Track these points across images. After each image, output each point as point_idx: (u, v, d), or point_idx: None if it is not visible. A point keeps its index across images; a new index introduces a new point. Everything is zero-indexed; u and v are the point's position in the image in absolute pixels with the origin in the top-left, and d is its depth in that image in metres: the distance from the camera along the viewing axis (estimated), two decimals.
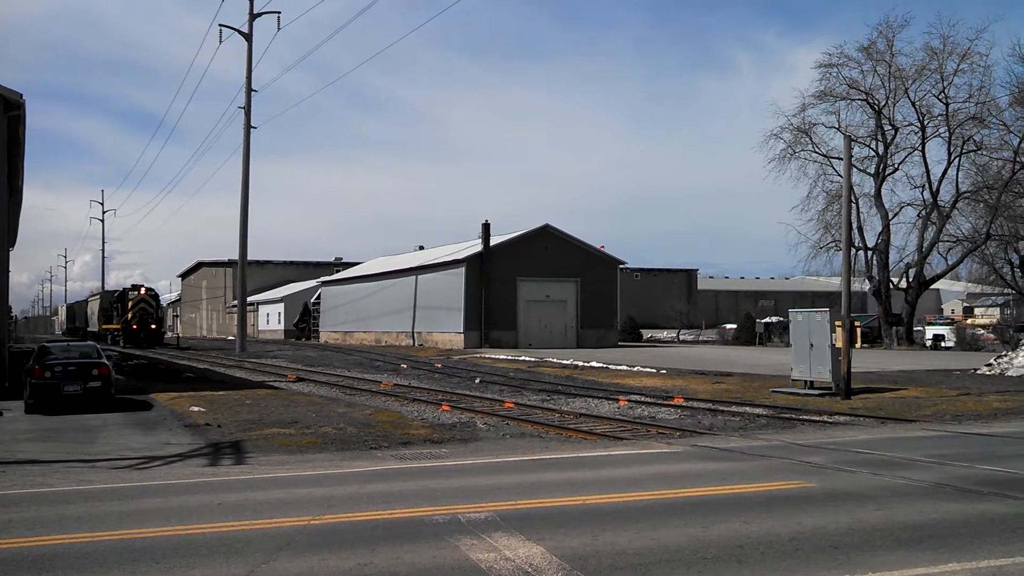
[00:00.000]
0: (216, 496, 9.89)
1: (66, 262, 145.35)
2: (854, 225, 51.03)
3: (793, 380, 23.73)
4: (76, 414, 18.78)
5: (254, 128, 47.59)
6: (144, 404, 20.93)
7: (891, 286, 54.40)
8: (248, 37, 47.06)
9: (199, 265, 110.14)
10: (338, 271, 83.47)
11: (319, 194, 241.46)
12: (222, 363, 39.06)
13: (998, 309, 70.55)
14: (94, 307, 75.46)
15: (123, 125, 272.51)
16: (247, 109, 47.34)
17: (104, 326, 67.65)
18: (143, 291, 60.98)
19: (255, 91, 47.70)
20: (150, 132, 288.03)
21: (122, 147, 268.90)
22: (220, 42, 49.42)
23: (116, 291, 67.95)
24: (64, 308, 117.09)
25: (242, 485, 10.84)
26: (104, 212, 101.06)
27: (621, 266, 58.26)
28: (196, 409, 19.39)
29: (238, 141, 52.40)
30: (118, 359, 37.56)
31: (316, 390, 25.50)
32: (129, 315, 59.44)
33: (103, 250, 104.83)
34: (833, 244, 52.15)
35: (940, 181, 52.79)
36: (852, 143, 35.47)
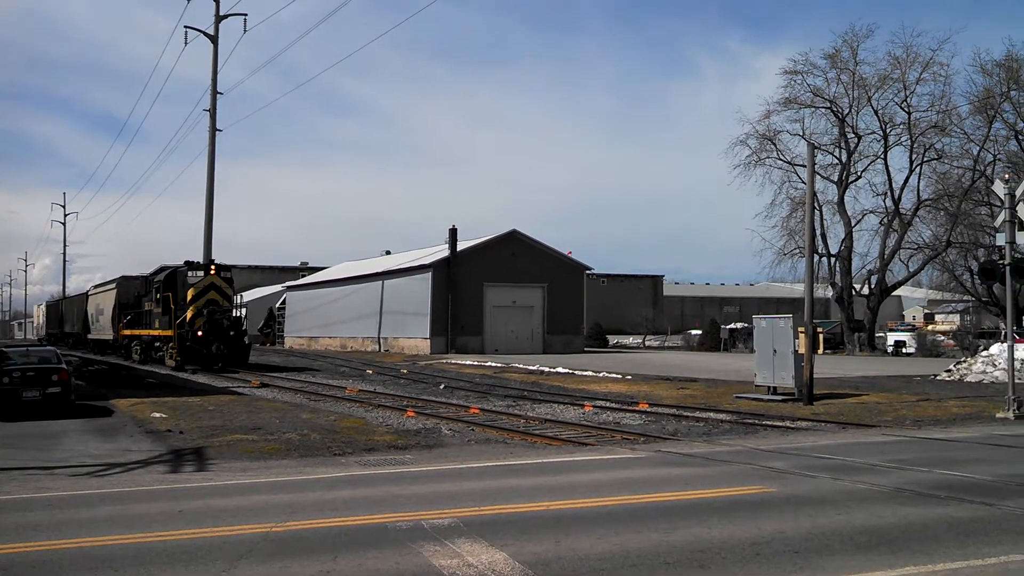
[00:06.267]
0: (177, 503, 9.77)
1: (27, 265, 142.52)
2: (817, 232, 51.77)
3: (757, 386, 23.95)
4: (35, 420, 18.48)
5: (220, 131, 47.09)
6: (105, 410, 20.64)
7: (854, 293, 55.21)
8: (214, 39, 46.55)
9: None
10: (304, 275, 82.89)
11: (285, 198, 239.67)
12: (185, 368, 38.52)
13: (958, 316, 71.85)
14: (104, 303, 50.40)
15: (86, 127, 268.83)
16: (212, 112, 46.77)
17: (127, 331, 44.71)
18: (212, 270, 37.12)
19: (221, 93, 47.13)
20: (113, 134, 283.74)
21: (85, 149, 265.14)
22: (185, 44, 48.85)
23: (150, 276, 43.11)
24: (42, 309, 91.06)
25: (204, 492, 10.73)
26: (66, 215, 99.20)
27: (588, 272, 58.53)
28: (158, 415, 19.16)
29: (203, 144, 51.88)
30: (78, 364, 37.00)
31: (280, 396, 25.30)
32: (189, 313, 35.54)
33: (64, 253, 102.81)
34: (797, 251, 52.81)
35: (902, 189, 53.86)
36: (816, 150, 35.94)
